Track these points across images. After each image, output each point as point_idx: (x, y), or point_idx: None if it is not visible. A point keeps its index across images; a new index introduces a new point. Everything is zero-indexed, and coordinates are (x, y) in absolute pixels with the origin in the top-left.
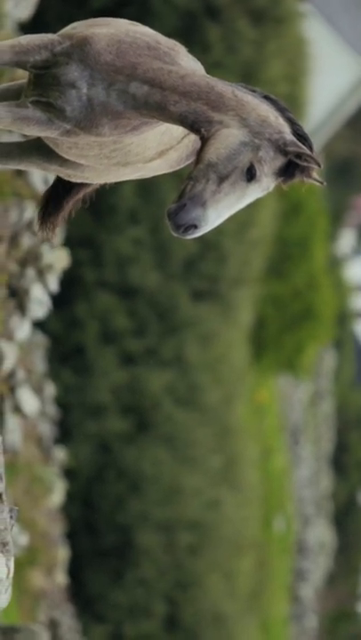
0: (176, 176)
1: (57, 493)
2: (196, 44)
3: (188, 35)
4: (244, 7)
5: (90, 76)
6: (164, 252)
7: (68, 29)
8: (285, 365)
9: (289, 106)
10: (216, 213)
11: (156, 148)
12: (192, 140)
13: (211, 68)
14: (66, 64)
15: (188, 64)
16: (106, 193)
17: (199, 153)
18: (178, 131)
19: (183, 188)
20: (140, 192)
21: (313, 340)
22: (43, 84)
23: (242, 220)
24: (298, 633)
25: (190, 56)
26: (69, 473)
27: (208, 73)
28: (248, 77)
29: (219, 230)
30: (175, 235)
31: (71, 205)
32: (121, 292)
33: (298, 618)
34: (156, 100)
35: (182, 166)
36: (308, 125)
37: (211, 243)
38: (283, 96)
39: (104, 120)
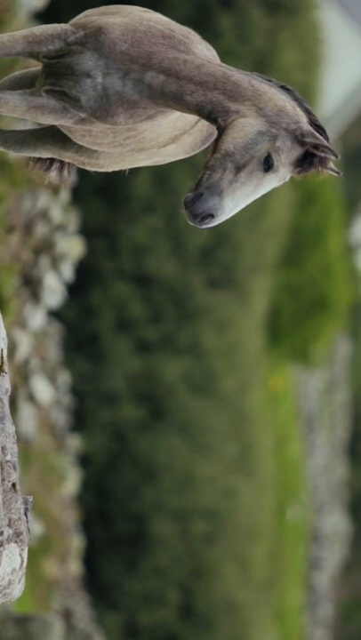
0: (190, 165)
1: (71, 482)
2: (207, 32)
3: (200, 23)
4: None
5: (105, 66)
6: (180, 240)
7: (80, 18)
8: (299, 355)
9: (303, 94)
10: (233, 203)
11: (170, 134)
12: (206, 124)
13: (222, 56)
14: (80, 53)
15: (202, 52)
16: (121, 182)
17: (216, 142)
18: (192, 115)
19: (200, 178)
20: (155, 181)
21: (327, 328)
22: (56, 74)
23: (256, 209)
24: (312, 621)
25: (204, 43)
26: (84, 461)
27: (221, 61)
28: (261, 65)
29: (233, 219)
30: (191, 224)
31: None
32: (137, 281)
33: (312, 606)
34: (173, 90)
35: (197, 152)
36: (322, 114)
37: (225, 231)
38: (296, 84)
39: (119, 109)
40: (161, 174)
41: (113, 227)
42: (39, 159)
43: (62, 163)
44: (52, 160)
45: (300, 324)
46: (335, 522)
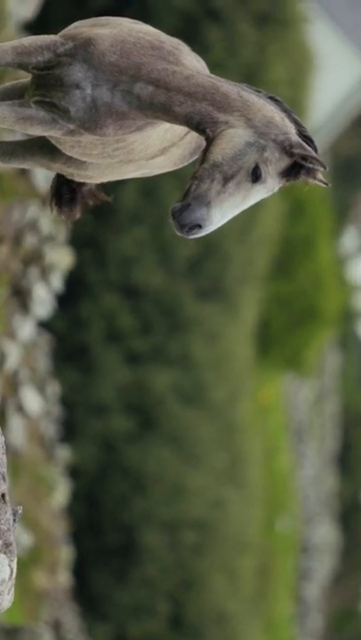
0: (177, 176)
1: (60, 493)
2: (195, 45)
3: (188, 35)
4: (247, 9)
5: (94, 77)
6: (167, 251)
7: (70, 29)
8: (290, 363)
9: (292, 107)
10: (221, 213)
11: (159, 146)
12: (195, 136)
13: (210, 68)
14: (69, 65)
15: (191, 63)
16: (108, 193)
17: (204, 153)
18: (181, 128)
19: (188, 188)
20: (142, 193)
21: (317, 338)
22: (45, 85)
23: (245, 220)
24: (302, 632)
25: (193, 54)
26: (73, 472)
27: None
28: (249, 78)
29: (222, 230)
30: (179, 234)
31: (85, 194)
32: (125, 292)
33: (302, 617)
34: (161, 101)
35: (185, 164)
36: (311, 124)
37: (214, 243)
38: (285, 97)
39: (108, 121)
40: (148, 186)
41: (100, 238)
42: (59, 202)
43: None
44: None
45: (290, 333)
46: (325, 533)
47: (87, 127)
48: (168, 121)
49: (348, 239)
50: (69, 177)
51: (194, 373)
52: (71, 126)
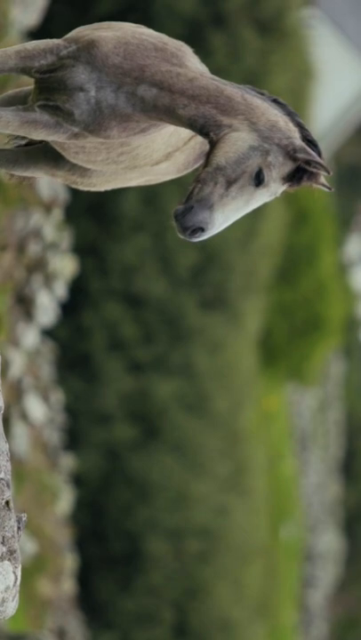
0: (179, 185)
1: (65, 501)
2: (198, 50)
3: (191, 41)
4: (250, 16)
5: (98, 79)
6: (169, 260)
7: (73, 33)
8: (294, 373)
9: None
10: (223, 217)
11: (163, 151)
12: (199, 142)
13: (213, 73)
14: (72, 67)
15: (194, 66)
16: (110, 201)
17: (208, 156)
18: (185, 132)
19: (191, 191)
20: (143, 201)
21: (321, 347)
22: (49, 89)
23: (248, 229)
24: None
25: (196, 57)
26: (77, 480)
27: None
28: (252, 85)
29: (224, 239)
30: (181, 237)
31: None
32: (127, 301)
33: (306, 625)
34: (165, 104)
35: (190, 170)
36: (315, 131)
37: (216, 252)
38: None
39: (113, 123)
40: (150, 194)
41: (101, 246)
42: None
43: None
44: None
45: (293, 342)
46: (329, 540)
47: (91, 130)
48: (172, 123)
49: (352, 247)
50: (73, 185)
51: (197, 383)
52: (75, 129)
